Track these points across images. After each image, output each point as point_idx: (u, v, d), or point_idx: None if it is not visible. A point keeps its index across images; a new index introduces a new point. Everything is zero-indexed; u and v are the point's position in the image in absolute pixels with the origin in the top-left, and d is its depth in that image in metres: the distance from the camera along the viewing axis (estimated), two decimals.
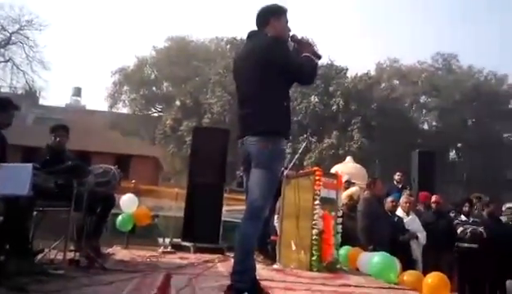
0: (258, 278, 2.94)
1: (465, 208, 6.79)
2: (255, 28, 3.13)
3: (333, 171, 8.19)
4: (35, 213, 3.39)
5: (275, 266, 4.86)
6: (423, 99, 37.46)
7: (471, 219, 6.74)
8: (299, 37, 3.12)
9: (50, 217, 3.86)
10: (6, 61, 29.30)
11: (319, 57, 3.09)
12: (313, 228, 4.75)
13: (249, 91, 3.00)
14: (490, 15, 62.39)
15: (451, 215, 7.11)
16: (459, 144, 37.19)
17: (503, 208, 7.44)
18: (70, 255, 3.83)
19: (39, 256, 3.52)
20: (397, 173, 8.50)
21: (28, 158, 3.32)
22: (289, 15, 3.13)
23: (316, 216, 4.79)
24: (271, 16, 3.07)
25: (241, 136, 2.98)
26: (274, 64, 2.90)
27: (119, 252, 5.17)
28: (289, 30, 3.13)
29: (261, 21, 3.09)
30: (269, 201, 2.93)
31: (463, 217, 6.76)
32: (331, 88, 30.74)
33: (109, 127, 31.42)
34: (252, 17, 3.19)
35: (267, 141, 2.85)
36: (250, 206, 2.87)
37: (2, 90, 29.71)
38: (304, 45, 3.07)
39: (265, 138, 2.86)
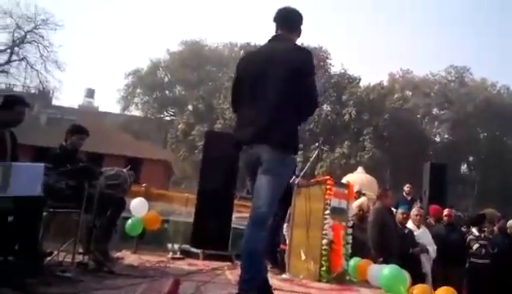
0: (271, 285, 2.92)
1: (480, 224, 6.73)
2: (269, 29, 3.06)
3: (344, 181, 8.11)
4: (45, 214, 3.37)
5: (283, 276, 4.79)
6: (435, 111, 37.22)
7: (483, 234, 6.67)
8: None
9: (59, 218, 3.85)
10: (21, 60, 29.44)
11: None
12: (323, 238, 4.69)
13: (269, 97, 2.80)
14: (504, 29, 61.80)
15: (463, 229, 7.03)
16: (470, 158, 36.81)
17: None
18: (79, 258, 3.82)
19: (48, 258, 3.51)
20: (407, 185, 8.44)
21: (39, 158, 3.30)
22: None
23: (326, 226, 4.72)
24: (300, 25, 3.03)
25: (251, 141, 2.85)
26: (303, 79, 2.82)
27: (128, 257, 5.14)
28: None
29: (291, 25, 3.01)
30: (274, 208, 2.86)
31: (475, 232, 6.68)
32: (344, 97, 30.69)
33: (121, 130, 31.59)
34: (265, 23, 3.11)
35: (279, 151, 2.78)
36: (256, 212, 2.80)
37: (16, 89, 29.77)
38: None
39: (278, 149, 2.78)
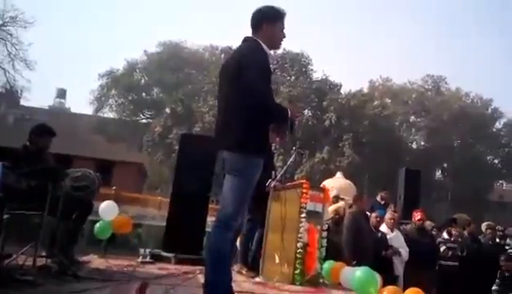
0: (235, 289, 2.82)
1: (449, 228, 6.84)
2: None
3: (322, 185, 8.10)
4: (5, 216, 3.19)
5: (257, 279, 4.72)
6: (412, 118, 37.92)
7: (453, 238, 6.80)
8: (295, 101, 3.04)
9: (22, 221, 3.67)
10: None
11: (285, 121, 2.83)
12: (298, 241, 4.63)
13: (223, 101, 2.92)
14: (478, 40, 63.59)
15: (433, 233, 7.14)
16: (445, 165, 37.58)
17: (482, 228, 7.56)
18: (42, 261, 3.65)
19: (6, 261, 3.33)
20: (382, 191, 8.46)
21: (1, 159, 3.13)
22: (286, 21, 2.98)
23: (301, 229, 4.67)
24: (264, 21, 2.91)
25: (218, 146, 2.86)
26: (243, 71, 2.72)
27: (95, 261, 4.94)
28: (284, 36, 3.00)
29: (254, 25, 2.93)
30: (241, 209, 2.77)
31: (445, 236, 6.82)
32: (325, 103, 30.89)
33: (94, 132, 30.83)
34: (247, 27, 3.01)
35: (238, 152, 2.73)
36: (221, 213, 2.75)
37: None
38: (292, 107, 2.98)
39: (237, 150, 2.73)
